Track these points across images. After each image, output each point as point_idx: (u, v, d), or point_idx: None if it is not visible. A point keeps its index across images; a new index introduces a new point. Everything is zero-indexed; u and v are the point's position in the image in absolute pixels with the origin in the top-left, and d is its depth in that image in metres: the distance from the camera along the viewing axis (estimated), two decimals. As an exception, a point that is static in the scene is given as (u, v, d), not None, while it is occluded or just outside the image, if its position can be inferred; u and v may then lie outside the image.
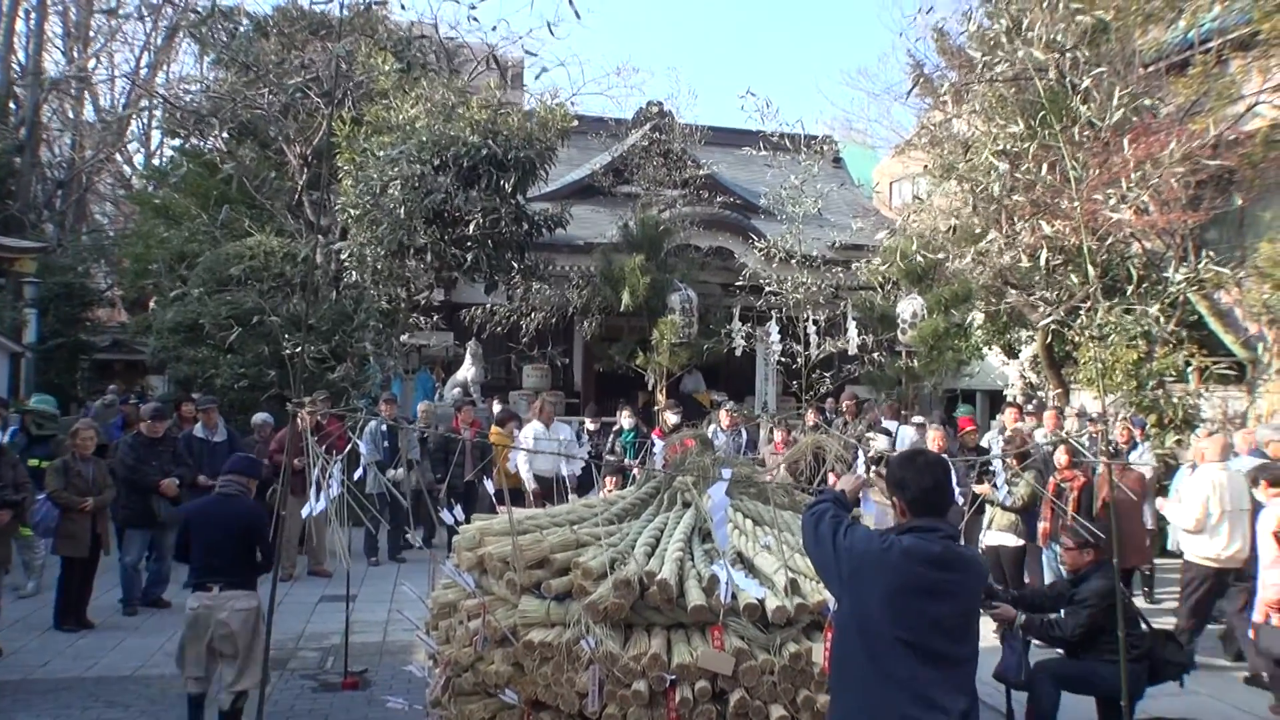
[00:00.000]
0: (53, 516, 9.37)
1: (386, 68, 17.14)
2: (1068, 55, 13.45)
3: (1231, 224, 15.42)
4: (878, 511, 6.08)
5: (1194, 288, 14.24)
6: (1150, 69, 15.01)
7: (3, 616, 9.16)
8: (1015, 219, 14.52)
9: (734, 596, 4.82)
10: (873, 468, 5.98)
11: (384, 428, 12.69)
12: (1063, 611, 6.59)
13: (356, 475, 6.27)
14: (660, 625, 4.92)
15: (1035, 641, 6.78)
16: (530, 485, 10.82)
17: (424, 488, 11.99)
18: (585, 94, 39.80)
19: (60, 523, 9.33)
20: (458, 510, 5.99)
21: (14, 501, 8.74)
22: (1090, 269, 12.49)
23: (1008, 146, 14.05)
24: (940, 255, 16.35)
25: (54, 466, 9.52)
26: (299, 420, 5.39)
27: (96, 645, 8.97)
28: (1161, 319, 14.24)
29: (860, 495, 5.07)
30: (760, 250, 17.89)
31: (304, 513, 6.11)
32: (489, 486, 6.88)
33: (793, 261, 16.93)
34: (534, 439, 12.65)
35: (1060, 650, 6.72)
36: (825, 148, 20.37)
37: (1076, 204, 11.01)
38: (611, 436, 14.10)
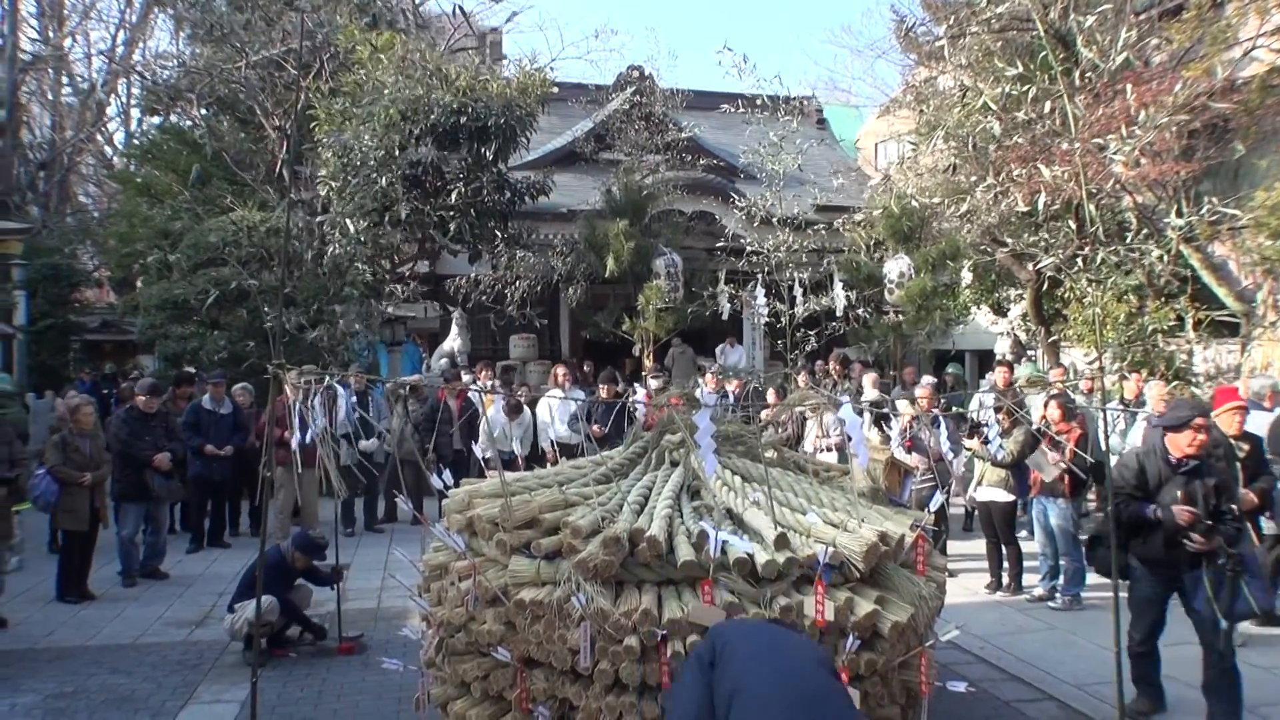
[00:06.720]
0: (53, 491, 9.45)
1: (353, 27, 16.92)
2: None
3: (1226, 175, 14.90)
4: (865, 456, 6.11)
5: (1195, 234, 13.82)
6: (1143, 16, 14.45)
7: (7, 589, 9.26)
8: (1009, 166, 14.02)
9: (723, 551, 4.84)
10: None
11: (354, 399, 12.72)
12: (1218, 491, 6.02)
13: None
14: (650, 582, 4.94)
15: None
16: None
17: (416, 457, 12.01)
18: (565, 59, 39.53)
19: (60, 497, 9.44)
20: (447, 475, 6.00)
21: (8, 479, 8.76)
22: (1092, 209, 12.24)
23: (1007, 89, 13.61)
24: (934, 200, 16.17)
25: (53, 442, 9.68)
26: (285, 387, 5.39)
27: (98, 615, 9.09)
28: (1162, 260, 13.93)
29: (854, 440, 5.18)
30: (741, 210, 17.84)
31: (293, 442, 6.17)
32: (478, 452, 6.90)
33: (774, 221, 16.86)
34: (552, 405, 12.98)
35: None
36: (807, 106, 20.23)
37: (1076, 145, 10.85)
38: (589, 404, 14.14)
